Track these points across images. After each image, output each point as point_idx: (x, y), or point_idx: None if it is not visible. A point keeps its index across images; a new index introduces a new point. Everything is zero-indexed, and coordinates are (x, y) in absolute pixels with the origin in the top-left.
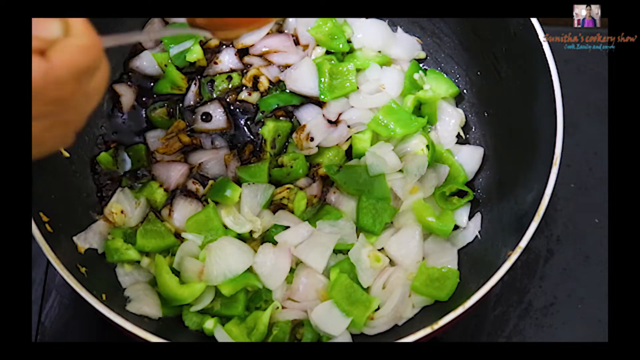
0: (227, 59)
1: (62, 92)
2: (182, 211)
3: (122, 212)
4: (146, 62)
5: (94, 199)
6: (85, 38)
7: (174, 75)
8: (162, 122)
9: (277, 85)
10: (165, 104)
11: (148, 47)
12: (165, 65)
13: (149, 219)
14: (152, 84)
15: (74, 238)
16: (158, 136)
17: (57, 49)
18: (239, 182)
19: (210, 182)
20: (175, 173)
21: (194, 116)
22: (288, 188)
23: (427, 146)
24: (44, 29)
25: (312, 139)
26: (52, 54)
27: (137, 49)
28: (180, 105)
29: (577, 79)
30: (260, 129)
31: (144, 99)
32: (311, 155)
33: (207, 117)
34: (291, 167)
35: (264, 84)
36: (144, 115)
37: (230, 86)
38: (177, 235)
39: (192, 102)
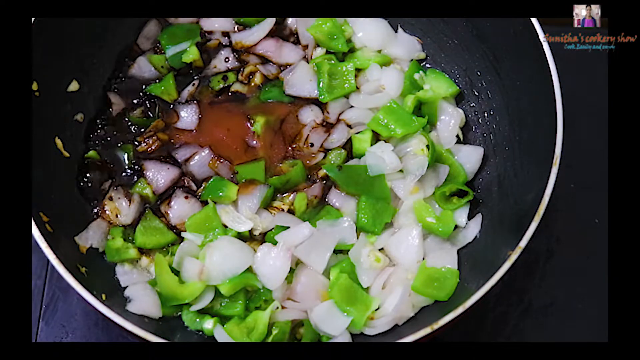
0: (225, 60)
1: None
2: (181, 208)
3: (116, 209)
4: (143, 68)
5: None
6: None
7: (167, 83)
8: (140, 122)
9: (273, 81)
10: (142, 104)
11: (144, 49)
12: (162, 67)
13: (147, 217)
14: (145, 86)
15: (76, 238)
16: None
17: None
18: (234, 180)
19: (204, 182)
20: (165, 177)
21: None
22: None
23: (427, 146)
24: None
25: (311, 145)
26: None
27: (131, 54)
28: (159, 105)
29: (577, 79)
30: (252, 127)
31: (135, 101)
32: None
33: (178, 117)
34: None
35: (255, 80)
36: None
37: (225, 85)
38: (176, 232)
39: (185, 102)
